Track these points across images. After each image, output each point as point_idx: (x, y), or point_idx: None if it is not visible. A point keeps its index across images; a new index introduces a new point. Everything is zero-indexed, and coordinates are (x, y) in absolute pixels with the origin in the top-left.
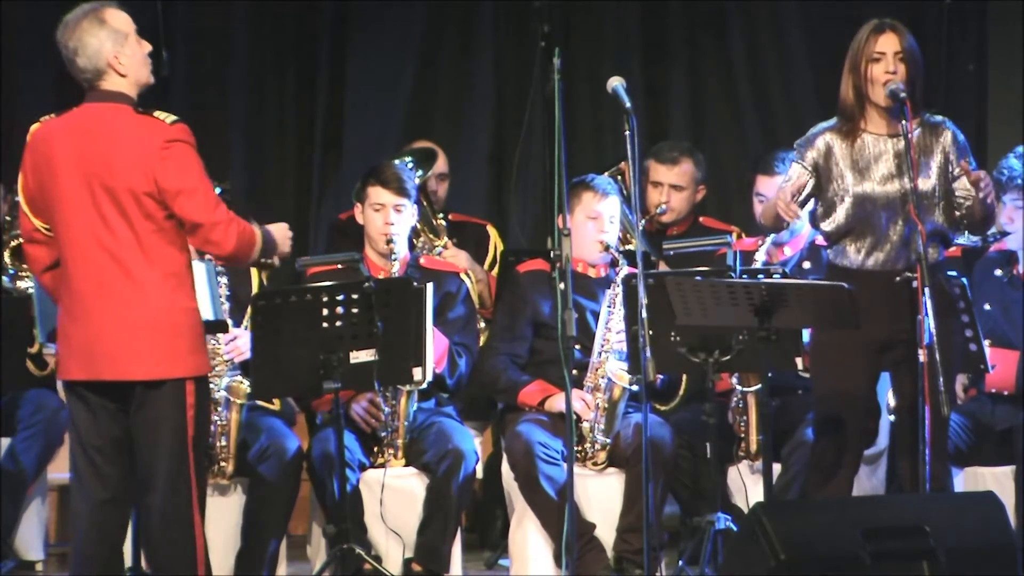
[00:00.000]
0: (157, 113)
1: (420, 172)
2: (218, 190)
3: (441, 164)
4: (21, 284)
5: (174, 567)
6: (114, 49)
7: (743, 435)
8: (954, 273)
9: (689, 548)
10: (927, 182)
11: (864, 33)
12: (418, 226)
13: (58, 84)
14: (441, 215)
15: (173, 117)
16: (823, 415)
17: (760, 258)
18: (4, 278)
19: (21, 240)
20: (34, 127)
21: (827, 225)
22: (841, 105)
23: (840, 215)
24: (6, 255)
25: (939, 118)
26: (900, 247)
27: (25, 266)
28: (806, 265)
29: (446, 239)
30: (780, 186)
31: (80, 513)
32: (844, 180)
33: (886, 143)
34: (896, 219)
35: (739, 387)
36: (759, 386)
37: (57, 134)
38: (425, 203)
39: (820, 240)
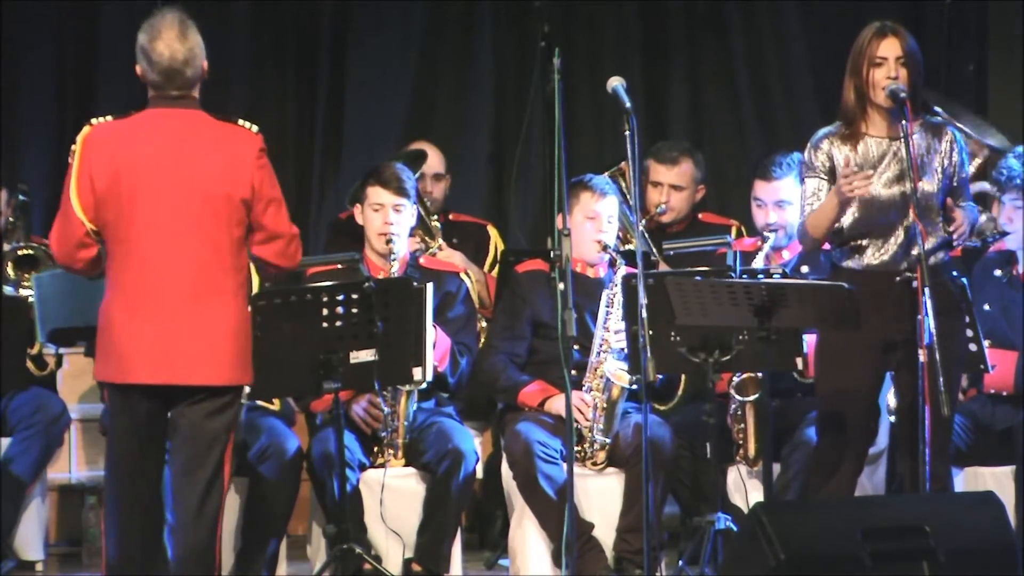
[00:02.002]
0: (240, 121)
1: None
2: None
3: (436, 164)
4: (23, 292)
5: (199, 561)
6: (203, 61)
7: (741, 442)
8: (954, 273)
9: (689, 548)
10: (930, 183)
11: (866, 36)
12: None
13: (59, 85)
14: (436, 216)
15: (256, 127)
16: (826, 414)
17: (759, 263)
18: (7, 287)
19: (27, 251)
20: (87, 130)
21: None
22: (843, 108)
23: (846, 218)
24: (9, 267)
25: (939, 120)
26: (905, 248)
27: (27, 276)
28: (804, 269)
29: (440, 240)
30: (807, 201)
31: (120, 514)
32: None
33: (888, 145)
34: (900, 220)
35: (737, 396)
36: (756, 395)
37: (133, 138)
38: (419, 204)
39: None
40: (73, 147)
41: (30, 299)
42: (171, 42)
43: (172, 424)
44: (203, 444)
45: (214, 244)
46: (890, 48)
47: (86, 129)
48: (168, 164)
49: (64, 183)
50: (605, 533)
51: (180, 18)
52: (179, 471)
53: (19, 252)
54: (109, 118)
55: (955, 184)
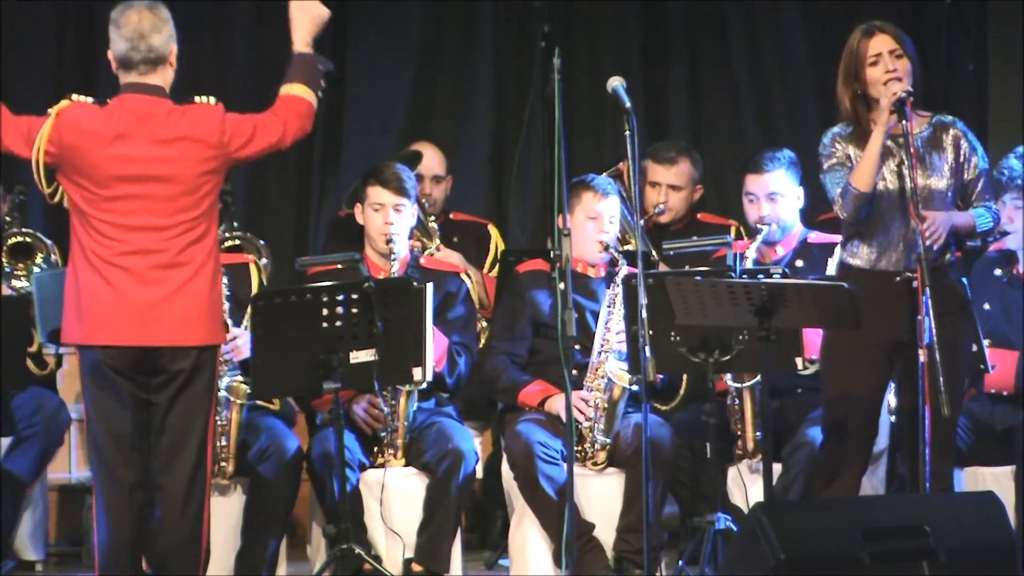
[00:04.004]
0: (197, 99)
1: None
2: None
3: (436, 166)
4: (17, 283)
5: (185, 550)
6: (172, 43)
7: (739, 433)
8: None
9: (689, 548)
10: (940, 181)
11: (855, 40)
12: None
13: (59, 84)
14: (433, 217)
15: (213, 98)
16: (832, 415)
17: (751, 256)
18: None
19: (21, 239)
20: (64, 104)
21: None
22: (842, 115)
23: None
24: (3, 256)
25: (948, 118)
26: (911, 248)
27: (21, 265)
28: (799, 263)
29: (438, 241)
30: (837, 179)
31: (109, 501)
32: None
33: (894, 143)
34: (907, 219)
35: (733, 383)
36: (755, 380)
37: (105, 125)
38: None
39: (812, 238)
40: (49, 111)
41: (25, 290)
42: (141, 11)
43: (151, 407)
44: (181, 428)
45: (186, 218)
46: (881, 44)
47: (64, 102)
48: (138, 152)
49: (33, 132)
50: (605, 533)
51: (152, 3)
52: (161, 455)
53: (11, 240)
54: (89, 99)
55: (966, 179)
